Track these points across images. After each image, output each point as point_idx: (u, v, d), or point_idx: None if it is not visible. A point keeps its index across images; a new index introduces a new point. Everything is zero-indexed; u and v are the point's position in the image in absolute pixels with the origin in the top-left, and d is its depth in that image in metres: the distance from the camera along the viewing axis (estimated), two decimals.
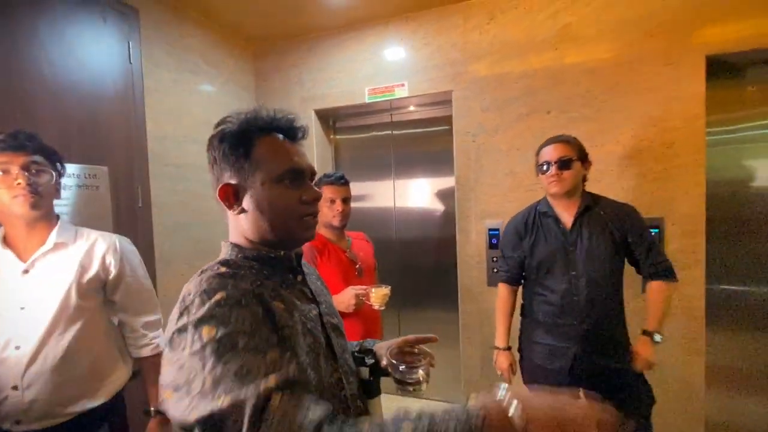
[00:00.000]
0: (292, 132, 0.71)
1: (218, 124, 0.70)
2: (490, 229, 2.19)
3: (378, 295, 1.35)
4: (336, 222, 1.52)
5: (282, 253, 0.70)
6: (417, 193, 2.58)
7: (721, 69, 1.81)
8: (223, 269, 0.61)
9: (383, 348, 0.80)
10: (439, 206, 2.52)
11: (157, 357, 1.17)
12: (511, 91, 2.10)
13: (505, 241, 1.59)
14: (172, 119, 1.99)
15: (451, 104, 2.24)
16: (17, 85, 1.36)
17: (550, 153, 1.39)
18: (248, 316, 0.54)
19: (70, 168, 1.53)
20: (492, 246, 2.18)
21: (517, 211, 1.63)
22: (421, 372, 0.74)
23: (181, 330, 0.53)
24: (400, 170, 2.60)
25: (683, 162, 1.83)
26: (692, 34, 1.78)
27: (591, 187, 1.92)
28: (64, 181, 1.51)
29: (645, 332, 1.34)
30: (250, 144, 0.67)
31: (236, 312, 0.54)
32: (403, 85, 2.31)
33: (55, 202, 1.52)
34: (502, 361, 1.55)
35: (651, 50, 1.85)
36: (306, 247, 1.44)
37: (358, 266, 1.52)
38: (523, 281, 1.58)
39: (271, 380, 0.49)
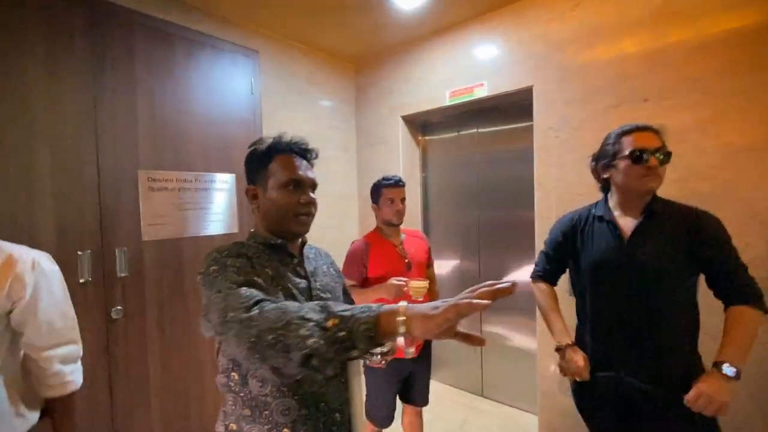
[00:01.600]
0: (303, 153, 0.95)
1: (251, 145, 0.98)
2: None
3: (414, 287, 1.48)
4: (395, 219, 1.69)
5: (279, 241, 0.92)
6: (500, 193, 2.53)
7: None
8: (233, 243, 0.88)
9: None
10: (523, 206, 2.42)
11: (72, 396, 1.00)
12: (597, 81, 1.90)
13: (550, 240, 1.42)
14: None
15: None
16: (176, 119, 1.96)
17: (647, 141, 1.14)
18: (238, 263, 0.79)
19: (211, 175, 2.11)
20: None
21: None
22: (387, 347, 0.86)
23: (202, 273, 0.80)
24: (484, 168, 2.59)
25: None
26: None
27: (702, 186, 1.63)
28: (208, 184, 2.11)
29: (715, 363, 1.06)
30: (270, 159, 0.92)
31: (231, 259, 0.79)
32: (482, 84, 2.31)
33: (201, 198, 2.14)
34: (575, 358, 1.24)
35: None
36: (361, 242, 1.68)
37: (407, 261, 1.66)
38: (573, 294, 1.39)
39: (240, 279, 0.74)
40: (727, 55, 1.56)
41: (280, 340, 0.59)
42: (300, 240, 0.98)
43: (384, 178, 1.73)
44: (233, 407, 0.84)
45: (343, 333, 0.58)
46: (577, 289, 1.36)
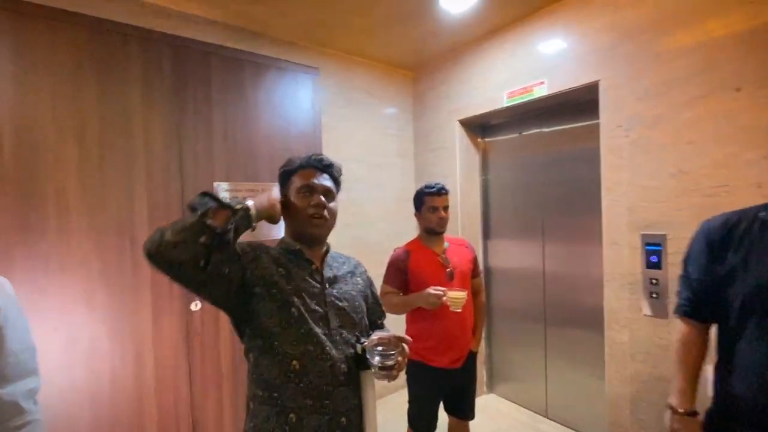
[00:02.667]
0: (324, 168, 1.06)
1: (283, 166, 1.09)
2: (648, 244, 1.79)
3: (452, 297, 1.45)
4: (437, 227, 1.68)
5: (297, 247, 1.01)
6: (566, 196, 2.34)
7: None
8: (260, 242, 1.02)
9: (374, 335, 0.97)
10: (591, 209, 2.20)
11: None
12: (676, 71, 1.66)
13: (690, 255, 1.06)
14: (341, 144, 2.60)
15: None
16: (245, 135, 2.19)
17: None
18: (248, 246, 0.96)
19: (275, 185, 2.31)
20: (651, 265, 1.78)
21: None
22: (391, 361, 0.87)
23: None
24: (549, 170, 2.41)
25: None
26: None
27: None
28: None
29: None
30: (294, 173, 1.05)
31: (249, 243, 0.96)
32: (542, 83, 2.16)
33: None
34: (680, 429, 1.00)
35: None
36: (401, 249, 1.70)
37: (449, 270, 1.63)
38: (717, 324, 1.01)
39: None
40: None
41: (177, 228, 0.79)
42: (324, 248, 1.06)
43: (426, 186, 1.72)
44: (251, 386, 0.94)
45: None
46: (723, 316, 0.99)
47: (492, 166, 2.78)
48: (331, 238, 1.09)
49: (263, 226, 0.99)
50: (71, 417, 1.67)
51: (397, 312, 1.62)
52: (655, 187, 1.76)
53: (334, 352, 0.94)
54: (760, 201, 1.00)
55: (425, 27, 2.31)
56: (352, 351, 0.97)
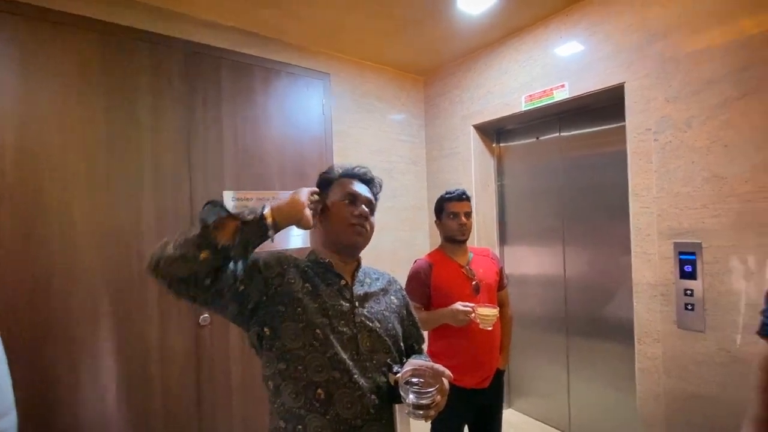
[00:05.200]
0: (366, 181, 1.02)
1: (324, 172, 1.04)
2: (681, 253, 1.70)
3: (482, 315, 1.36)
4: (458, 235, 1.60)
5: (327, 260, 0.94)
6: (589, 203, 2.25)
7: None
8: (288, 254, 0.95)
9: (408, 365, 0.85)
10: (617, 217, 2.11)
11: None
12: (709, 72, 1.58)
13: None
14: (352, 151, 2.53)
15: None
16: (256, 143, 2.13)
17: None
18: (274, 258, 0.91)
19: (286, 193, 2.23)
20: (686, 275, 1.69)
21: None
22: (427, 399, 0.75)
23: None
24: (569, 176, 2.33)
25: None
26: None
27: None
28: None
29: None
30: (334, 181, 0.99)
31: (275, 255, 0.92)
32: (563, 86, 2.09)
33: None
34: None
35: None
36: (423, 261, 1.62)
37: (474, 283, 1.54)
38: None
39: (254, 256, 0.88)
40: None
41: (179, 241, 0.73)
42: (356, 263, 0.99)
43: (447, 192, 1.65)
44: (272, 417, 0.86)
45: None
46: None
47: (508, 172, 2.70)
48: None
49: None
50: None
51: (422, 329, 1.53)
52: (687, 192, 1.67)
53: (363, 381, 0.85)
54: None
55: (440, 30, 2.25)
56: (384, 380, 0.88)
